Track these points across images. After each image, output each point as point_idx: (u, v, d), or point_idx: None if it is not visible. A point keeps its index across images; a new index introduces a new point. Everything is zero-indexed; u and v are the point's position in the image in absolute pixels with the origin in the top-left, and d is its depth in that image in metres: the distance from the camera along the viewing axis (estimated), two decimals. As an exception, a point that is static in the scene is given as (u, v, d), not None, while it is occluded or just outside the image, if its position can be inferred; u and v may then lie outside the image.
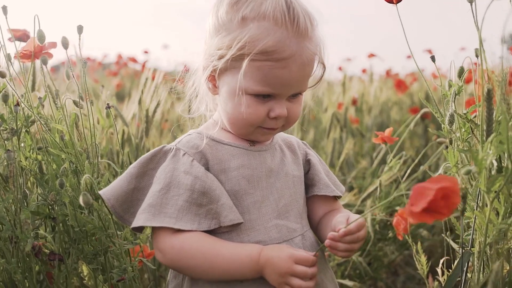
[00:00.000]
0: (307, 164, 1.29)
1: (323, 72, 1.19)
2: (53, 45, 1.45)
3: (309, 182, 1.28)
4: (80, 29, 1.30)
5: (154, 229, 1.08)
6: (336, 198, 1.30)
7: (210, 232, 1.09)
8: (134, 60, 6.65)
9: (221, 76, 1.13)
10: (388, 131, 1.72)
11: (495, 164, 1.08)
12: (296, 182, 1.23)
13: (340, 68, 6.31)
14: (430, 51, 5.50)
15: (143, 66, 6.66)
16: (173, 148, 1.13)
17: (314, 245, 1.21)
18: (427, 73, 5.64)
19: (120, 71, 6.76)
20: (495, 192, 1.05)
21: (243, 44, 1.05)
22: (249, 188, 1.13)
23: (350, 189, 2.50)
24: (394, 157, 2.07)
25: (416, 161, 2.09)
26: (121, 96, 5.62)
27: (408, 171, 2.05)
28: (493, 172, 1.08)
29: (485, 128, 1.09)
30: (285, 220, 1.16)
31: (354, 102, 3.15)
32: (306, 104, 3.06)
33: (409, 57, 5.73)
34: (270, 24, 1.06)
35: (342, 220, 1.13)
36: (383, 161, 2.35)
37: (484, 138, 1.08)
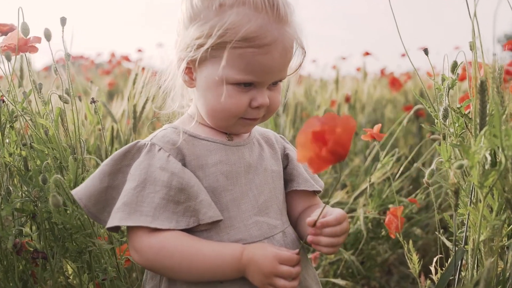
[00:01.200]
0: (286, 159, 1.26)
1: (303, 58, 1.15)
2: (38, 39, 1.42)
3: (287, 177, 1.24)
4: (63, 21, 1.26)
5: (130, 228, 1.03)
6: (315, 193, 1.27)
7: (188, 230, 1.04)
8: (127, 58, 6.60)
9: (199, 67, 1.08)
10: (376, 128, 1.69)
11: (489, 158, 1.05)
12: (275, 177, 1.19)
13: (334, 67, 6.30)
14: (424, 49, 5.50)
15: (136, 64, 6.63)
16: (148, 143, 1.08)
17: (295, 241, 1.17)
18: (422, 72, 5.64)
19: (114, 70, 6.72)
20: (489, 187, 1.02)
21: (224, 32, 1.01)
22: (227, 184, 1.10)
23: (343, 187, 2.47)
24: (387, 154, 2.05)
25: (409, 158, 2.07)
26: (113, 95, 5.58)
27: (401, 169, 2.03)
28: (487, 166, 1.06)
29: (478, 121, 1.06)
30: (265, 217, 1.13)
31: (347, 99, 3.12)
32: (298, 101, 3.04)
33: (403, 55, 5.73)
34: (250, 10, 1.02)
35: (315, 214, 1.09)
36: (377, 159, 2.32)
37: (478, 131, 1.05)
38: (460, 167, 1.04)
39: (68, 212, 1.27)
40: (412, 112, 2.16)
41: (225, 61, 1.02)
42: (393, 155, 1.99)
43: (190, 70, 1.11)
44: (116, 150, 1.86)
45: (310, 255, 1.91)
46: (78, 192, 1.07)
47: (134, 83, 1.96)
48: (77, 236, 1.25)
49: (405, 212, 1.99)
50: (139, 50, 7.43)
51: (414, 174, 2.28)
